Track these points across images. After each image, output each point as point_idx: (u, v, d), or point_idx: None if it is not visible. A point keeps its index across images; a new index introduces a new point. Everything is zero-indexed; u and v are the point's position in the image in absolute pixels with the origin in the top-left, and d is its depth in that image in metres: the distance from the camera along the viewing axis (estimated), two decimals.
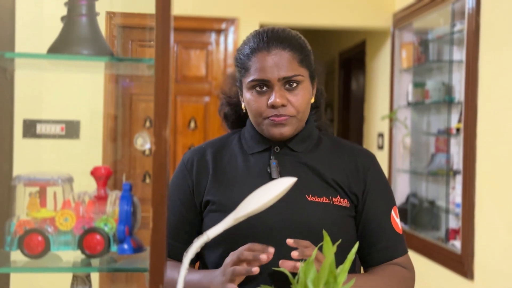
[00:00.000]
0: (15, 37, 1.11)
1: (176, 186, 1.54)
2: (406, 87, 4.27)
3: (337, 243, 1.14)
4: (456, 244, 3.39)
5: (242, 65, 1.49)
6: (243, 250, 1.33)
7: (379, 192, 1.51)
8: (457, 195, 3.51)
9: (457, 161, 3.62)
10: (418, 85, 4.10)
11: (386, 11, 4.41)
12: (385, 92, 4.58)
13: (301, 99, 1.44)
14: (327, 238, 1.12)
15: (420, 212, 4.06)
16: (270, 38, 1.46)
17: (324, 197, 1.45)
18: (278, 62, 1.43)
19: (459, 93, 3.65)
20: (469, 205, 3.16)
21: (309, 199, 1.44)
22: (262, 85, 1.44)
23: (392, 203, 1.53)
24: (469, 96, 3.18)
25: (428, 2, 3.78)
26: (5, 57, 1.02)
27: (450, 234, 3.54)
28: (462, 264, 3.20)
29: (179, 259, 1.51)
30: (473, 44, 3.16)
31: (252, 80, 1.44)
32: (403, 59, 4.30)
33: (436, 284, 3.54)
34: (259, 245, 1.33)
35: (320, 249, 1.31)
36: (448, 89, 3.75)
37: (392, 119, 4.38)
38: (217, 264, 1.47)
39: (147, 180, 4.30)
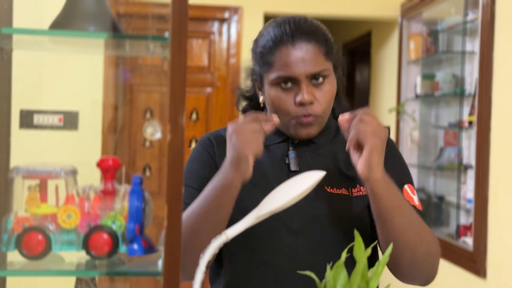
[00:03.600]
0: (13, 11, 1.00)
1: (198, 160, 1.43)
2: (414, 79, 4.17)
3: (372, 245, 1.03)
4: (468, 241, 3.29)
5: (263, 59, 1.39)
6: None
7: (389, 166, 1.39)
8: (468, 190, 3.41)
9: (468, 155, 3.52)
10: (427, 77, 3.99)
11: (393, 1, 4.30)
12: (392, 84, 4.47)
13: (327, 95, 1.37)
14: (358, 239, 1.01)
15: (428, 208, 3.96)
16: (293, 30, 1.36)
17: (343, 189, 1.39)
18: (305, 57, 1.34)
19: (470, 85, 3.55)
20: (482, 201, 3.06)
21: (328, 190, 1.38)
22: (288, 82, 1.35)
23: (407, 179, 1.43)
24: (483, 88, 3.08)
25: None
26: (2, 33, 0.91)
27: (461, 230, 3.44)
28: (474, 262, 3.10)
29: None
30: (487, 34, 3.05)
31: (278, 77, 1.35)
32: (411, 50, 4.19)
33: (447, 282, 3.44)
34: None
35: (350, 250, 1.21)
36: (459, 81, 3.65)
37: (399, 112, 4.27)
38: (235, 263, 1.40)
39: (147, 173, 4.19)
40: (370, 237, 1.40)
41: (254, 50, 1.44)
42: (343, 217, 1.36)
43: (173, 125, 0.88)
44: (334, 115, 1.51)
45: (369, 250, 0.99)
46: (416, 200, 1.41)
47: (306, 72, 1.33)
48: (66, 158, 3.70)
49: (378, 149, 1.25)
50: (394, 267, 1.33)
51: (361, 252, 1.00)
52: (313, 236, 1.35)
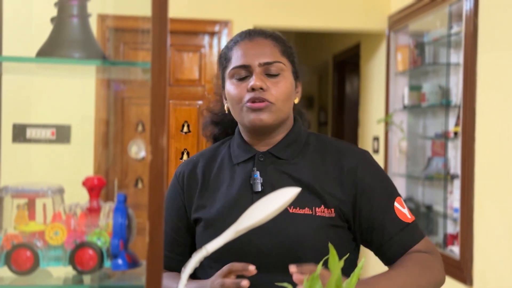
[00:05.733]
0: (2, 40, 1.05)
1: (170, 198, 1.52)
2: (401, 90, 4.23)
3: (343, 259, 1.08)
4: (455, 249, 3.34)
5: (224, 58, 1.48)
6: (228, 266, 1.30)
7: (373, 188, 1.44)
8: (455, 200, 3.46)
9: (454, 165, 3.58)
10: (414, 88, 4.06)
11: (381, 13, 4.37)
12: (380, 95, 4.54)
13: (282, 87, 1.42)
14: (333, 252, 1.06)
15: (416, 217, 3.99)
16: (252, 30, 1.49)
17: (306, 208, 1.40)
18: (260, 49, 1.43)
19: (456, 96, 3.61)
20: (468, 210, 3.11)
21: (290, 210, 1.39)
22: (243, 72, 1.42)
23: (394, 195, 1.46)
24: (467, 99, 3.14)
25: (425, 4, 3.74)
26: None
27: (448, 239, 3.50)
28: (461, 270, 3.15)
29: (171, 270, 1.48)
30: (471, 46, 3.12)
31: (233, 68, 1.43)
32: (399, 62, 4.26)
33: None
34: (240, 265, 1.29)
35: (324, 264, 1.25)
36: (445, 92, 3.71)
37: (387, 122, 4.33)
38: (205, 276, 1.43)
39: (139, 185, 4.23)
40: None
41: (219, 55, 1.52)
42: (304, 236, 1.37)
43: (154, 146, 0.93)
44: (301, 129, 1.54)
45: (342, 262, 1.04)
46: (407, 214, 1.45)
47: (259, 61, 1.41)
48: (59, 172, 3.74)
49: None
50: None
51: (335, 264, 1.05)
52: (279, 256, 1.37)
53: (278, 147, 1.46)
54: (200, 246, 1.09)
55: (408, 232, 1.43)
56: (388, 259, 1.46)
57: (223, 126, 1.59)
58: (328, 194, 1.41)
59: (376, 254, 1.48)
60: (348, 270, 1.26)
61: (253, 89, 1.39)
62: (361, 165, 1.45)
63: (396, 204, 1.44)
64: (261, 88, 1.39)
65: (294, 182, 1.42)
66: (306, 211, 1.39)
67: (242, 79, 1.42)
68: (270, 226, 1.34)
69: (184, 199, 1.50)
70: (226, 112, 1.51)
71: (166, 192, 1.52)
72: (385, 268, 1.47)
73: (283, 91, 1.42)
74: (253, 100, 1.39)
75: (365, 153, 1.50)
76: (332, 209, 1.40)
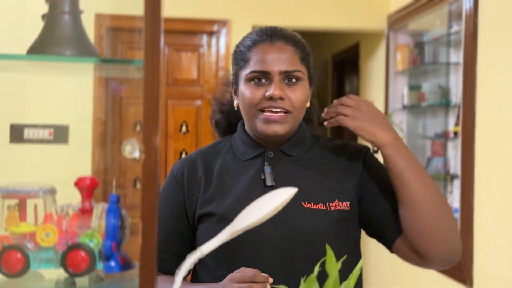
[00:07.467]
0: None
1: (166, 198, 1.48)
2: (401, 90, 4.22)
3: (342, 259, 1.06)
4: None
5: (241, 57, 1.43)
6: (250, 274, 1.27)
7: (378, 171, 1.46)
8: (455, 200, 3.45)
9: (454, 165, 3.57)
10: (414, 87, 4.04)
11: (380, 12, 4.35)
12: (380, 95, 4.52)
13: (299, 95, 1.40)
14: (330, 253, 1.04)
15: None
16: (273, 31, 1.43)
17: (320, 204, 1.40)
18: (280, 55, 1.39)
19: (455, 96, 3.60)
20: (468, 210, 3.10)
21: (305, 206, 1.39)
22: (261, 77, 1.39)
23: None
24: (467, 99, 3.12)
25: (424, 4, 3.72)
26: None
27: None
28: (461, 271, 3.13)
29: (169, 273, 1.45)
30: (470, 46, 3.10)
31: (252, 72, 1.39)
32: (398, 62, 4.24)
33: None
34: (263, 275, 1.27)
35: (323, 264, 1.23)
36: (445, 91, 3.69)
37: None
38: (211, 276, 1.41)
39: (138, 186, 4.21)
40: (348, 250, 1.40)
41: (233, 53, 1.48)
42: (319, 232, 1.38)
43: (147, 146, 0.91)
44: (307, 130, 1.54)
45: (339, 264, 1.02)
46: None
47: (280, 69, 1.38)
48: (56, 172, 3.72)
49: (364, 119, 1.35)
50: (416, 240, 1.34)
51: (333, 266, 1.03)
52: (289, 251, 1.37)
53: (287, 145, 1.45)
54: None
55: None
56: (395, 234, 1.41)
57: (229, 116, 1.57)
58: (341, 187, 1.42)
59: (380, 229, 1.44)
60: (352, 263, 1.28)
61: (270, 98, 1.37)
62: (366, 154, 1.49)
63: None
64: (280, 98, 1.37)
65: (305, 178, 1.42)
66: (320, 206, 1.39)
67: (259, 84, 1.39)
68: (283, 221, 1.36)
69: (184, 197, 1.46)
70: (236, 109, 1.49)
71: (161, 190, 1.49)
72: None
73: (300, 99, 1.40)
74: (268, 109, 1.38)
75: (368, 147, 1.53)
76: (347, 202, 1.41)
